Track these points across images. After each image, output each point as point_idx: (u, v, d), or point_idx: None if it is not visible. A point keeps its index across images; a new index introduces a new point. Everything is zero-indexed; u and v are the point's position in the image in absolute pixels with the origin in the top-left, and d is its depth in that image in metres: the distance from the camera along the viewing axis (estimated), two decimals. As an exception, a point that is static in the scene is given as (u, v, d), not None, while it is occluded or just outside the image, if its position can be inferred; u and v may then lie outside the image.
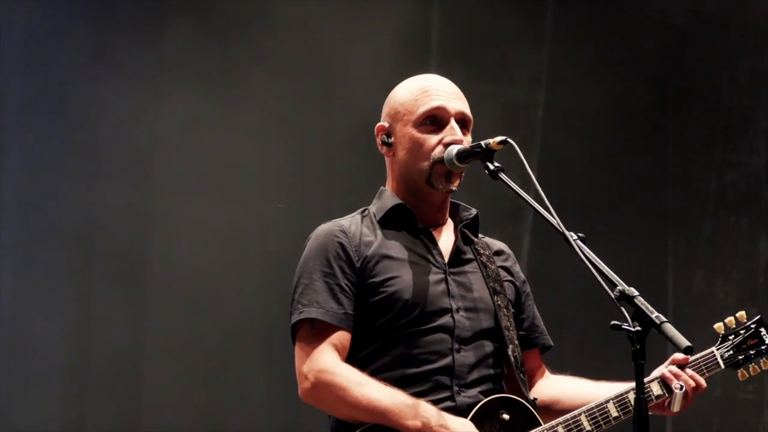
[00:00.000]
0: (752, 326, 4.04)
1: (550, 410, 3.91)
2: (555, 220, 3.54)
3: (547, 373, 4.07)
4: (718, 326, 4.03)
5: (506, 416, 3.72)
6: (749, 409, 7.62)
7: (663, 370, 3.88)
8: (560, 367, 4.11)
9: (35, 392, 6.75)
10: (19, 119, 6.78)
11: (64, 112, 6.85)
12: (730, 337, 4.01)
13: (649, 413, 3.27)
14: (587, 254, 3.46)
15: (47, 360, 6.80)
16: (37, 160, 6.80)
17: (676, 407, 3.82)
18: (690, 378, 3.85)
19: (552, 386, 4.01)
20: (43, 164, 6.82)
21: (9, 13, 6.75)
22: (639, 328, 3.27)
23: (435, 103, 3.86)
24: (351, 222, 3.88)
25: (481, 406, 3.71)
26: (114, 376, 6.92)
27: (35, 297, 6.79)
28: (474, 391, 3.75)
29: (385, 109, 3.96)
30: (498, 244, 4.05)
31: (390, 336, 3.74)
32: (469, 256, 3.92)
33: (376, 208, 3.93)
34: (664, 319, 3.29)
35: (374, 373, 3.70)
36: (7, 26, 6.75)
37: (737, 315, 4.04)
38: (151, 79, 6.98)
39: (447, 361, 3.74)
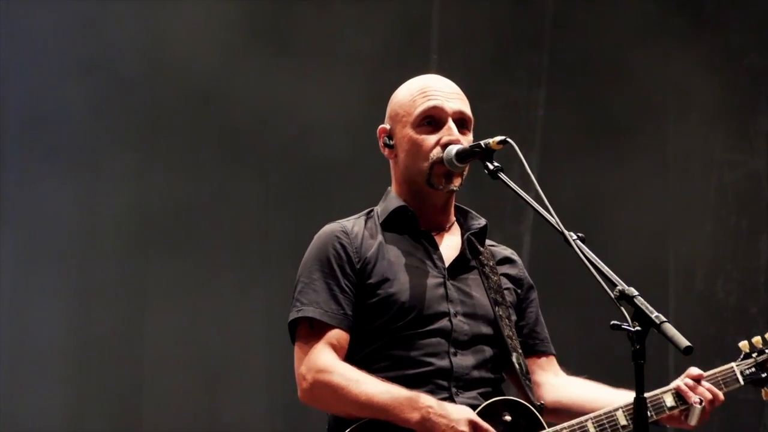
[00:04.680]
0: None
1: (558, 414, 3.86)
2: (554, 220, 3.53)
3: (551, 376, 4.00)
4: (743, 344, 3.97)
5: (508, 417, 3.71)
6: (749, 409, 7.62)
7: (679, 382, 3.83)
8: (560, 368, 4.08)
9: (35, 392, 6.75)
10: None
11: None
12: (754, 355, 3.95)
13: (666, 425, 3.23)
14: (587, 254, 3.45)
15: (47, 360, 6.80)
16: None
17: (693, 421, 3.78)
18: (707, 390, 3.81)
19: (559, 389, 3.95)
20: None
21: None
22: (639, 328, 3.27)
23: (431, 104, 3.85)
24: (354, 223, 3.88)
25: (484, 406, 3.69)
26: (114, 376, 6.91)
27: (35, 296, 6.80)
28: (473, 393, 3.73)
29: (387, 111, 3.95)
30: (505, 252, 4.02)
31: (388, 338, 3.74)
32: (472, 265, 3.90)
33: (380, 209, 3.93)
34: (664, 319, 3.28)
35: (373, 374, 3.69)
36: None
37: (765, 335, 3.98)
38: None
39: (444, 363, 3.73)
